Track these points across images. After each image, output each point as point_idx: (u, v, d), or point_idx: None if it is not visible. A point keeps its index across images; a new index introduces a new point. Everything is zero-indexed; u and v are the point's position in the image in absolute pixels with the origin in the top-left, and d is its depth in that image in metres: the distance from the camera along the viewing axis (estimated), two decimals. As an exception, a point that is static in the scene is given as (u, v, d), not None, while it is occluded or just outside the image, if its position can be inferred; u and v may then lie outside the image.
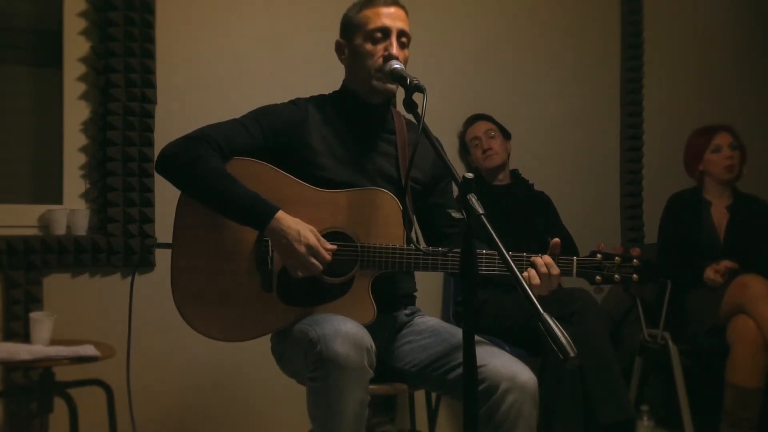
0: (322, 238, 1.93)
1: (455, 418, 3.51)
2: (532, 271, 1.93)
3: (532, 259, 1.95)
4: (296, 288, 1.98)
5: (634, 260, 2.00)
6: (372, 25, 2.04)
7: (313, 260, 1.89)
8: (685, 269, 3.29)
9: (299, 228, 1.89)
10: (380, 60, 2.02)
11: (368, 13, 2.06)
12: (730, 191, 3.45)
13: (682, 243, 3.35)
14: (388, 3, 2.07)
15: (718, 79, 4.16)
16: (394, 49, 2.02)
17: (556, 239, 1.98)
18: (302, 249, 1.88)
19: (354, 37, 2.09)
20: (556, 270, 1.93)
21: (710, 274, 3.20)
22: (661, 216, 3.50)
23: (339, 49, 2.15)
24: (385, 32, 2.04)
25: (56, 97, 3.09)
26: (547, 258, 1.95)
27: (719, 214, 3.41)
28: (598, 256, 2.01)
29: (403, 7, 2.09)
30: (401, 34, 2.05)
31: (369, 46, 2.05)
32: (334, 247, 1.94)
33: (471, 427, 1.49)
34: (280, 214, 1.89)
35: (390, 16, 2.05)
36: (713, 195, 3.44)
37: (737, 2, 4.25)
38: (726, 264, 3.19)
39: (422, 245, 2.18)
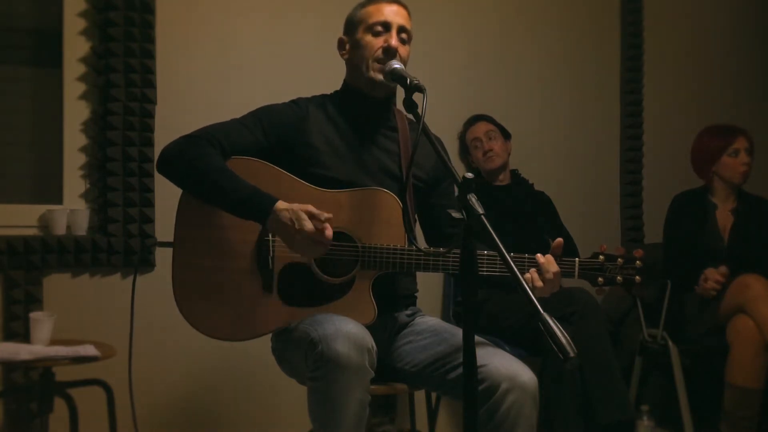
0: (318, 212, 1.86)
1: (455, 418, 3.51)
2: (534, 273, 1.92)
3: (535, 256, 1.94)
4: (297, 288, 1.98)
5: (637, 261, 2.00)
6: (373, 19, 2.08)
7: (315, 246, 1.86)
8: (687, 271, 3.28)
9: (295, 215, 1.85)
10: (379, 51, 2.05)
11: (370, 8, 2.10)
12: (736, 194, 3.43)
13: (686, 245, 3.35)
14: (390, 0, 2.10)
15: (719, 79, 4.16)
16: (394, 41, 2.04)
17: (559, 239, 1.97)
18: (298, 237, 1.85)
19: (355, 31, 2.12)
20: (555, 267, 1.93)
21: (707, 285, 3.18)
22: (666, 216, 3.49)
23: (340, 45, 2.18)
24: (386, 26, 2.07)
25: (56, 97, 3.09)
26: (548, 256, 1.94)
27: (724, 217, 3.40)
28: (601, 257, 2.00)
29: (405, 6, 2.13)
30: (402, 29, 2.08)
31: (369, 38, 2.08)
32: (330, 215, 1.88)
33: (471, 427, 1.49)
34: (279, 204, 1.89)
35: (392, 12, 2.09)
36: (719, 198, 3.42)
37: (738, 2, 4.25)
38: (721, 275, 3.17)
39: (423, 246, 2.18)
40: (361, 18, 2.11)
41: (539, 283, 1.91)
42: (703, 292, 3.17)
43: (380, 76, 2.04)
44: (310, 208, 1.87)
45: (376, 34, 2.07)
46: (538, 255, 1.94)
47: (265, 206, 1.89)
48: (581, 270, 1.99)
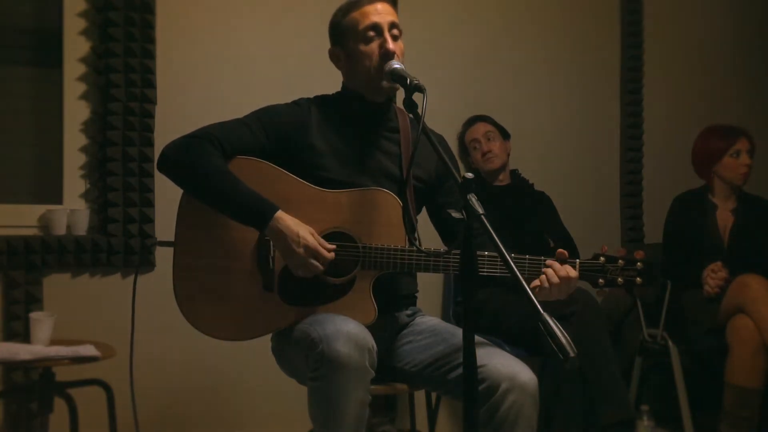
0: (321, 239, 1.93)
1: (455, 418, 3.51)
2: (550, 271, 1.92)
3: (548, 262, 1.94)
4: (297, 288, 1.98)
5: (638, 263, 1.99)
6: (362, 26, 2.03)
7: (313, 261, 1.89)
8: (687, 271, 3.29)
9: (298, 229, 1.89)
10: (377, 58, 2.02)
11: (355, 15, 2.05)
12: (736, 194, 3.44)
13: (686, 245, 3.35)
14: (372, 0, 2.05)
15: (719, 79, 4.16)
16: (390, 45, 2.01)
17: (562, 250, 1.97)
18: (300, 250, 1.88)
19: (346, 41, 2.07)
20: (576, 279, 1.94)
21: (709, 284, 3.19)
22: (666, 217, 3.50)
23: (333, 57, 2.14)
24: (377, 29, 2.03)
25: (56, 97, 3.09)
26: (571, 269, 1.93)
27: (724, 217, 3.40)
28: (601, 258, 1.99)
29: (387, 0, 2.08)
30: (392, 26, 2.04)
31: (363, 47, 2.03)
32: (333, 247, 1.94)
33: (471, 427, 1.49)
34: (280, 213, 1.90)
35: (377, 13, 2.03)
36: (720, 198, 3.43)
37: (737, 2, 4.25)
38: (715, 270, 3.18)
39: (423, 246, 2.17)
40: (349, 26, 2.06)
41: (556, 280, 1.91)
42: (708, 292, 3.17)
43: (385, 83, 2.02)
44: (313, 231, 1.91)
45: (369, 41, 2.02)
46: (549, 261, 1.94)
47: (267, 213, 1.89)
48: (582, 271, 1.98)
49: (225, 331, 2.00)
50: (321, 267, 1.91)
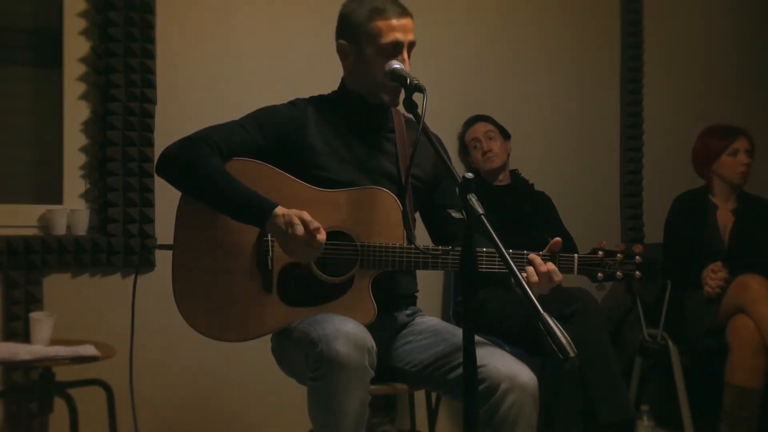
0: (309, 220, 1.86)
1: (455, 418, 3.51)
2: (531, 269, 1.92)
3: (530, 257, 1.93)
4: (296, 288, 1.98)
5: (637, 257, 1.99)
6: (385, 40, 2.00)
7: (308, 249, 1.86)
8: (687, 271, 3.29)
9: (287, 221, 1.85)
10: (389, 71, 1.98)
11: (380, 24, 2.01)
12: (736, 194, 3.44)
13: (686, 245, 3.35)
14: (400, 13, 2.02)
15: (719, 79, 4.16)
16: (408, 64, 2.00)
17: (557, 239, 1.97)
18: (299, 229, 1.83)
19: (363, 45, 2.04)
20: (559, 277, 1.92)
21: (709, 285, 3.19)
22: (666, 217, 3.50)
23: (342, 52, 2.10)
24: (398, 47, 2.01)
25: (56, 97, 3.09)
26: (552, 266, 1.92)
27: (725, 217, 3.40)
28: (600, 253, 2.00)
29: (411, 15, 2.06)
30: (411, 46, 2.04)
31: (380, 59, 2.00)
32: (318, 225, 1.87)
33: (471, 427, 1.49)
34: (279, 209, 1.89)
35: (402, 29, 2.01)
36: (720, 198, 3.44)
37: (737, 2, 4.24)
38: (722, 275, 3.18)
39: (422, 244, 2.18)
40: (371, 33, 2.01)
41: (535, 278, 1.90)
42: (708, 292, 3.18)
43: (386, 97, 2.03)
44: (304, 214, 1.86)
45: (387, 55, 2.00)
46: (535, 257, 1.93)
47: (264, 211, 1.89)
48: (580, 266, 1.98)
49: (224, 332, 2.00)
50: (317, 249, 1.86)
